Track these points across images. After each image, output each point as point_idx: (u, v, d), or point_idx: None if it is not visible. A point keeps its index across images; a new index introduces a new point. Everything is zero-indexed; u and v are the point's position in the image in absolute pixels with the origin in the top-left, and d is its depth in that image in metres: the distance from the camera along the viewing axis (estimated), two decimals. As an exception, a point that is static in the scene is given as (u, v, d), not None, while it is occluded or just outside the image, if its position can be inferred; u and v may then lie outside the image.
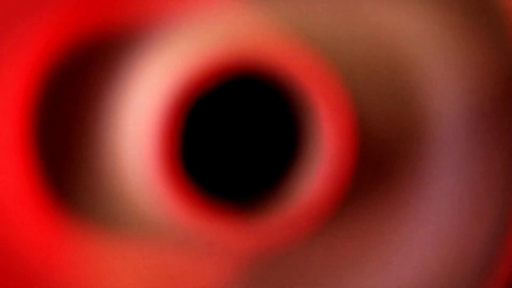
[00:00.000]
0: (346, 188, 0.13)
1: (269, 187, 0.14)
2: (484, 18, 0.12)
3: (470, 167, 0.13)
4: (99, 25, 0.12)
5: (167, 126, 0.12)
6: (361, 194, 0.13)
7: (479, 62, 0.12)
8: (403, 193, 0.13)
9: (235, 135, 0.15)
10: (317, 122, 0.12)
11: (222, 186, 0.14)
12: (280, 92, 0.13)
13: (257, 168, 0.15)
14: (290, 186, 0.13)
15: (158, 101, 0.11)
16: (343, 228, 0.13)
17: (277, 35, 0.13)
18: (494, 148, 0.13)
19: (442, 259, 0.13)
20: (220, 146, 0.15)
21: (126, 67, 0.12)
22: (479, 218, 0.13)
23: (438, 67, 0.13)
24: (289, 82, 0.11)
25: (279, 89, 0.13)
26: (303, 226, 0.13)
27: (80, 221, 0.13)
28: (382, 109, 0.13)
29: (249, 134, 0.15)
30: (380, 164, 0.13)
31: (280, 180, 0.14)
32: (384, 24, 0.13)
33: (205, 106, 0.14)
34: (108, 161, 0.12)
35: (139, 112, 0.12)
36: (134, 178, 0.12)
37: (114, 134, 0.12)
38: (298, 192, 0.13)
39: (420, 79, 0.13)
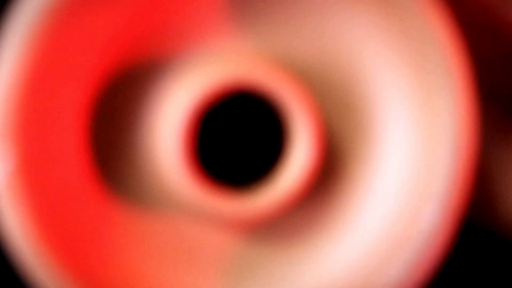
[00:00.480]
0: (316, 175, 0.18)
1: (262, 176, 0.18)
2: (428, 48, 0.17)
3: (413, 157, 0.18)
4: (140, 57, 0.17)
5: (188, 129, 0.16)
6: (327, 180, 0.18)
7: (421, 77, 0.17)
8: (358, 179, 0.18)
9: (237, 136, 0.20)
10: (296, 126, 0.17)
11: (227, 174, 0.19)
12: (270, 104, 0.18)
13: (253, 160, 0.20)
14: (277, 175, 0.18)
15: (182, 112, 0.16)
16: (313, 205, 0.18)
17: (266, 61, 0.17)
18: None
19: (389, 230, 0.18)
20: (226, 143, 0.20)
21: (160, 87, 0.17)
22: (425, 193, 0.18)
23: (387, 81, 0.18)
24: (276, 97, 0.16)
25: (269, 102, 0.18)
26: (286, 204, 0.17)
27: (124, 200, 0.17)
28: (342, 113, 0.18)
29: (247, 135, 0.20)
30: (340, 158, 0.18)
31: (270, 170, 0.18)
32: (345, 49, 0.18)
33: (215, 114, 0.19)
34: (147, 155, 0.17)
35: (169, 119, 0.16)
36: (166, 167, 0.16)
37: (151, 135, 0.17)
38: (283, 179, 0.17)
39: (372, 90, 0.18)
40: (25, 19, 0.15)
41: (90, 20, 0.16)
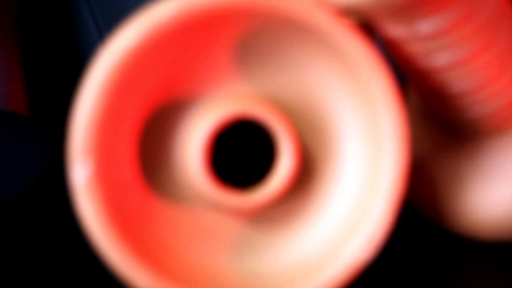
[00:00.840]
0: (295, 178, 0.25)
1: (258, 179, 0.26)
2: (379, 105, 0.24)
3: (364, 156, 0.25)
4: (174, 97, 0.24)
5: (206, 147, 0.24)
6: (303, 181, 0.25)
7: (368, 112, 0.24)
8: (324, 181, 0.25)
9: (240, 151, 0.27)
10: (281, 144, 0.24)
11: (233, 178, 0.26)
12: (263, 129, 0.26)
13: (252, 168, 0.27)
14: (268, 178, 0.25)
15: (203, 136, 0.24)
16: (293, 199, 0.26)
17: (260, 100, 0.25)
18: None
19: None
20: (232, 155, 0.27)
21: (187, 117, 0.24)
22: (374, 192, 0.24)
23: (344, 114, 0.25)
24: (267, 124, 0.24)
25: (263, 128, 0.25)
26: (274, 198, 0.25)
27: (162, 196, 0.25)
28: (313, 135, 0.25)
29: (248, 151, 0.28)
30: (311, 166, 0.25)
31: (263, 175, 0.26)
32: (314, 93, 0.25)
33: (226, 135, 0.26)
34: (179, 164, 0.24)
35: (194, 140, 0.23)
36: (191, 173, 0.24)
37: (182, 151, 0.24)
38: (273, 181, 0.25)
39: (334, 121, 0.25)
40: (101, 69, 0.23)
41: (144, 72, 0.23)
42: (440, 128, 0.31)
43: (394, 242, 0.28)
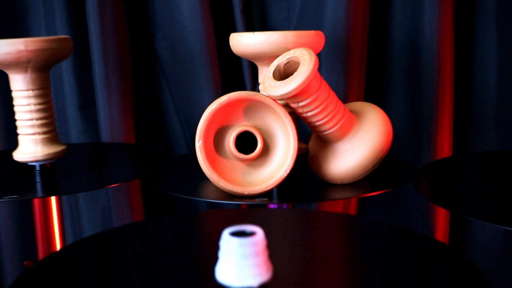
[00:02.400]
0: (262, 150, 0.79)
1: (251, 150, 0.80)
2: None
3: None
4: (224, 124, 0.79)
5: (234, 139, 0.78)
6: (265, 152, 0.79)
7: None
8: (273, 151, 0.79)
9: (245, 141, 0.81)
10: (258, 140, 0.77)
11: (243, 150, 0.81)
12: (252, 135, 0.80)
13: (248, 147, 0.81)
14: (254, 151, 0.79)
15: (233, 135, 0.78)
16: (264, 157, 0.80)
17: (253, 127, 0.79)
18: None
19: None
20: (242, 143, 0.81)
21: (227, 132, 0.79)
22: (288, 157, 0.78)
23: (278, 131, 0.79)
24: (254, 133, 0.77)
25: (252, 134, 0.79)
26: (257, 157, 0.78)
27: (221, 157, 0.79)
28: (268, 137, 0.79)
29: (247, 141, 0.81)
30: (268, 147, 0.80)
31: (252, 149, 0.80)
32: (270, 124, 0.79)
33: (240, 136, 0.80)
34: (226, 144, 0.78)
35: (230, 137, 0.78)
36: (229, 147, 0.78)
37: (227, 140, 0.78)
38: (255, 151, 0.78)
39: (275, 133, 0.79)
40: (206, 113, 0.77)
41: (218, 115, 0.78)
42: (319, 138, 0.85)
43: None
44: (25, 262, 1.03)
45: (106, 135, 1.18)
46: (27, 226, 1.32)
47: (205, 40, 1.13)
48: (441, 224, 1.11)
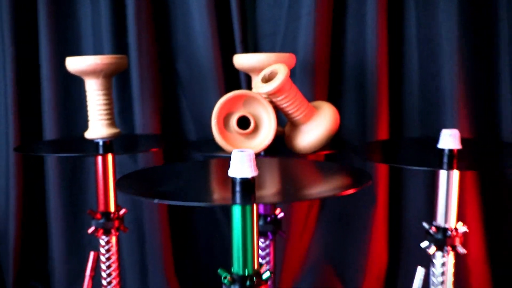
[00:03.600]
0: (254, 129, 1.23)
1: (246, 128, 1.23)
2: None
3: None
4: (229, 111, 1.23)
5: (236, 121, 1.22)
6: (256, 129, 1.23)
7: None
8: (260, 129, 1.23)
9: (242, 122, 1.25)
10: (251, 122, 1.21)
11: (241, 128, 1.25)
12: (248, 118, 1.23)
13: (244, 126, 1.25)
14: (249, 129, 1.22)
15: (235, 118, 1.23)
16: (254, 132, 1.24)
17: (247, 113, 1.23)
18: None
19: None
20: (241, 123, 1.25)
21: (232, 115, 1.23)
22: (268, 134, 1.22)
23: (263, 116, 1.23)
24: (249, 117, 1.21)
25: (248, 118, 1.23)
26: (251, 133, 1.22)
27: (228, 132, 1.23)
28: (258, 119, 1.23)
29: (244, 123, 1.25)
30: (257, 126, 1.24)
31: (247, 128, 1.23)
32: (259, 111, 1.23)
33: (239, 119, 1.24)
34: (231, 124, 1.22)
35: (233, 119, 1.23)
36: (233, 125, 1.22)
37: (231, 121, 1.23)
38: (248, 128, 1.22)
39: (262, 117, 1.23)
40: (218, 104, 1.21)
41: (225, 105, 1.22)
42: (292, 123, 1.29)
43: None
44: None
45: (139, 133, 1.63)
46: (73, 182, 1.76)
47: (213, 61, 1.57)
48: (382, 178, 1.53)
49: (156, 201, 0.79)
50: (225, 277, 0.89)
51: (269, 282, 1.32)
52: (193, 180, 1.01)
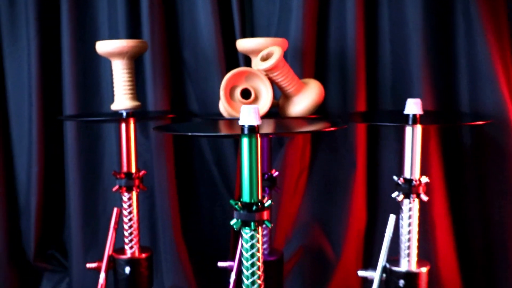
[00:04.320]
0: (255, 98, 1.49)
1: (248, 98, 1.49)
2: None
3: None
4: (234, 84, 1.49)
5: (240, 92, 1.48)
6: (256, 97, 1.49)
7: None
8: (260, 98, 1.49)
9: (245, 93, 1.50)
10: (252, 93, 1.46)
11: (243, 97, 1.51)
12: (249, 90, 1.49)
13: (246, 96, 1.51)
14: (250, 98, 1.48)
15: (239, 90, 1.48)
16: (256, 100, 1.49)
17: (249, 86, 1.48)
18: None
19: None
20: (244, 94, 1.51)
21: (236, 88, 1.49)
22: (265, 104, 1.48)
23: (262, 88, 1.49)
24: (249, 90, 1.47)
25: (249, 90, 1.49)
26: (253, 101, 1.48)
27: (232, 99, 1.48)
28: (258, 91, 1.49)
29: (246, 94, 1.50)
30: (257, 96, 1.49)
31: (249, 98, 1.49)
32: (259, 85, 1.49)
33: (242, 90, 1.50)
34: (235, 95, 1.48)
35: (237, 91, 1.48)
36: (237, 96, 1.48)
37: (236, 93, 1.48)
38: (249, 98, 1.47)
39: (261, 89, 1.49)
40: (225, 79, 1.47)
41: (231, 80, 1.47)
42: (285, 95, 1.55)
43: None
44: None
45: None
46: (91, 160, 1.99)
47: (216, 50, 1.82)
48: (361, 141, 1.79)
49: (189, 133, 1.05)
50: (236, 204, 1.14)
51: (266, 232, 1.57)
52: (208, 128, 1.27)
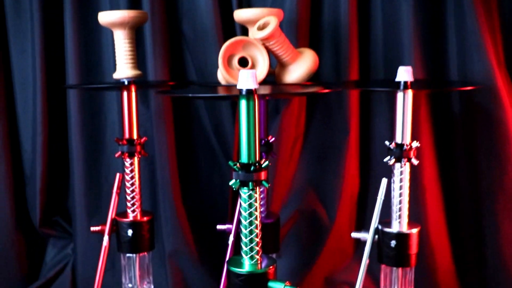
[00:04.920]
0: (252, 65, 1.54)
1: (245, 66, 1.55)
2: None
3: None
4: (232, 53, 1.54)
5: (238, 60, 1.54)
6: (253, 63, 1.55)
7: None
8: (257, 64, 1.55)
9: (242, 61, 1.56)
10: (249, 60, 1.52)
11: (241, 65, 1.56)
12: (246, 59, 1.55)
13: (244, 64, 1.57)
14: (247, 64, 1.54)
15: (237, 58, 1.54)
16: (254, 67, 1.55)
17: (246, 55, 1.54)
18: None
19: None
20: (241, 62, 1.57)
21: (233, 56, 1.55)
22: (263, 71, 1.54)
23: (259, 56, 1.55)
24: (247, 58, 1.53)
25: (246, 59, 1.55)
26: (252, 67, 1.54)
27: (230, 67, 1.54)
28: (254, 59, 1.55)
29: (244, 62, 1.56)
30: (253, 63, 1.55)
31: (246, 65, 1.55)
32: (255, 53, 1.55)
33: (240, 59, 1.56)
34: (233, 63, 1.54)
35: (235, 60, 1.54)
36: (235, 63, 1.54)
37: (234, 61, 1.54)
38: (247, 65, 1.53)
39: (258, 57, 1.55)
40: (224, 46, 1.53)
41: (229, 48, 1.53)
42: (281, 64, 1.61)
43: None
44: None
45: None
46: (93, 129, 2.05)
47: (213, 19, 1.87)
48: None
49: (190, 95, 1.11)
50: (235, 165, 1.20)
51: (263, 195, 1.64)
52: (208, 91, 1.33)
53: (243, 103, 1.16)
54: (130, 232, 1.62)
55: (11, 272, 2.16)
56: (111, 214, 1.63)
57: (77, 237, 2.08)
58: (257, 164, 1.20)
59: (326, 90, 1.15)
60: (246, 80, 1.15)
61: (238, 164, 1.19)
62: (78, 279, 2.09)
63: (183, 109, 1.97)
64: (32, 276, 2.18)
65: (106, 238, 1.61)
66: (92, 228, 1.64)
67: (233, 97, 1.40)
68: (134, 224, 1.63)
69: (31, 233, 2.16)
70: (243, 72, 1.14)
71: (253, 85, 1.15)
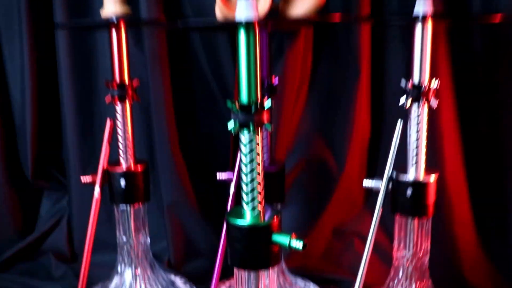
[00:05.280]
0: None
1: None
2: None
3: None
4: None
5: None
6: None
7: None
8: None
9: None
10: None
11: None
12: None
13: None
14: None
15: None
16: None
17: None
18: None
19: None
20: None
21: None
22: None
23: None
24: None
25: None
26: None
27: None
28: None
29: None
30: None
31: None
32: None
33: None
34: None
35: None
36: None
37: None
38: None
39: None
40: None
41: None
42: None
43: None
44: None
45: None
46: (84, 60, 1.92)
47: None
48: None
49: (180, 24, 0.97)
50: (233, 104, 1.07)
51: (266, 142, 1.51)
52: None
53: (242, 36, 1.02)
54: (123, 182, 1.50)
55: (6, 226, 2.09)
56: (102, 163, 1.52)
57: (72, 189, 1.99)
58: (258, 103, 1.07)
59: (336, 20, 1.00)
60: (245, 9, 1.01)
61: (236, 104, 1.06)
62: (74, 232, 2.01)
63: (180, 52, 1.83)
64: (27, 230, 2.10)
65: (97, 189, 1.51)
66: (83, 179, 1.52)
67: (231, 28, 1.25)
68: (127, 174, 1.51)
69: (25, 186, 2.08)
70: (241, 1, 1.00)
71: (253, 14, 1.01)
